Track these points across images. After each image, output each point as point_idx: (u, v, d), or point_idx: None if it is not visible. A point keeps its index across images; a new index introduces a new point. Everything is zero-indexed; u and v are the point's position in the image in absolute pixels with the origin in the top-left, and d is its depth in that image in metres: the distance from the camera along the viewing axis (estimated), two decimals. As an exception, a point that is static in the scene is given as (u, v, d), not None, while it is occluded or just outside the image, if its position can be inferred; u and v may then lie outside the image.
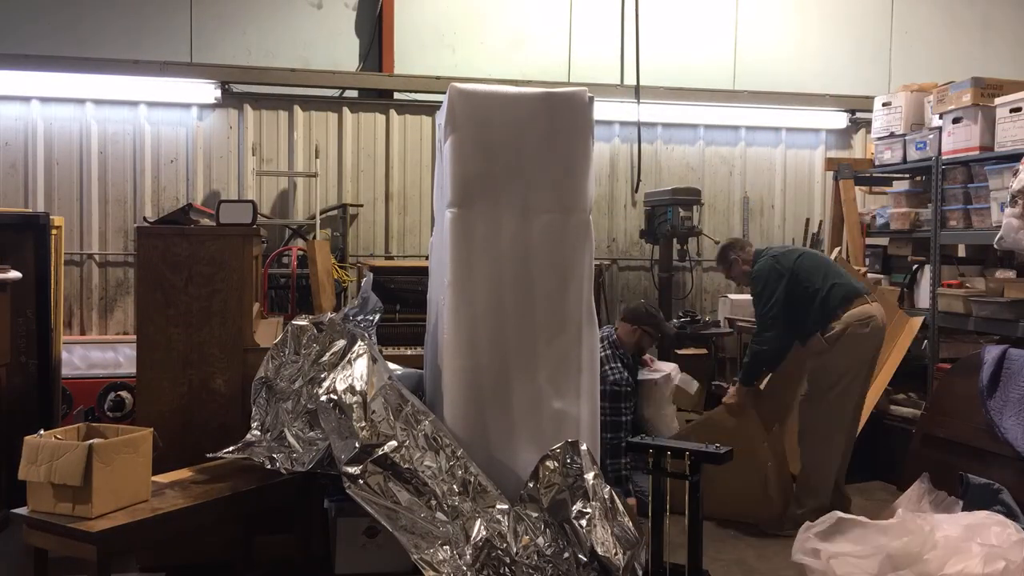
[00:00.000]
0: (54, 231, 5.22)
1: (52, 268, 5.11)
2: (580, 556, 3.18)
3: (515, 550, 3.17)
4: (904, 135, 6.14)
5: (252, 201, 4.60)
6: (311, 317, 3.85)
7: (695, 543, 3.48)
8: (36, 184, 6.27)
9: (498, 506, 3.29)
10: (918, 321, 5.87)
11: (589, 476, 3.30)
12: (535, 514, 3.28)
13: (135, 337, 4.18)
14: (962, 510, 4.68)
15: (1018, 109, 5.15)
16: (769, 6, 7.58)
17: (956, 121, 5.59)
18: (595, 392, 3.75)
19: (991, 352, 5.03)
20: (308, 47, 6.80)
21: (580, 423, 3.64)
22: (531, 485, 3.34)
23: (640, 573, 3.35)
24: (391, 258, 6.79)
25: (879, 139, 6.44)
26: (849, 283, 4.82)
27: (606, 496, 3.32)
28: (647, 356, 5.33)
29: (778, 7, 7.60)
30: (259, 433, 3.68)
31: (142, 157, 6.44)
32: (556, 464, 3.33)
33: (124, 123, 6.42)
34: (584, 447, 3.37)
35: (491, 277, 3.62)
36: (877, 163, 6.51)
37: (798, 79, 7.51)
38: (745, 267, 5.01)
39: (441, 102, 3.70)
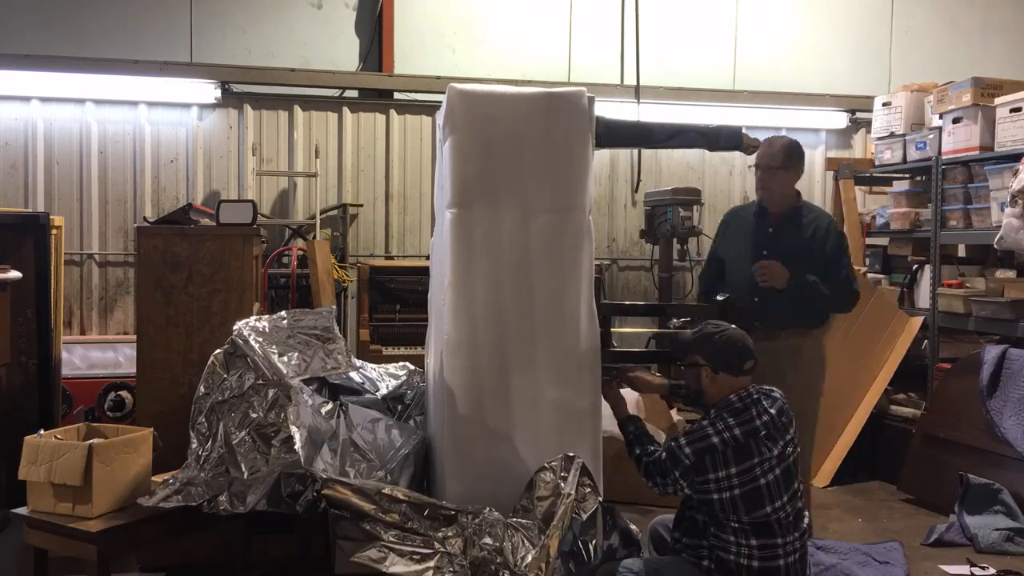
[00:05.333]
0: (54, 231, 5.21)
1: (52, 268, 5.11)
2: (571, 566, 3.16)
3: (512, 562, 3.15)
4: (904, 135, 6.14)
5: (252, 201, 4.60)
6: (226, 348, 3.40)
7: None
8: (36, 184, 6.27)
9: (491, 517, 3.26)
10: (918, 321, 5.88)
11: (586, 490, 3.27)
12: (529, 523, 3.26)
13: (135, 337, 4.18)
14: (962, 510, 4.70)
15: (1018, 109, 5.15)
16: (769, 6, 7.58)
17: (956, 121, 5.59)
18: (596, 392, 3.74)
19: (991, 352, 5.04)
20: (308, 47, 6.80)
21: (581, 423, 3.64)
22: (526, 496, 3.32)
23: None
24: (391, 258, 6.79)
25: (879, 139, 6.44)
26: None
27: (603, 507, 3.30)
28: None
29: (778, 7, 7.60)
30: (196, 467, 3.26)
31: (142, 157, 6.44)
32: (551, 476, 3.31)
33: (124, 123, 6.41)
34: (580, 461, 3.34)
35: (491, 277, 3.61)
36: (877, 163, 6.51)
37: (798, 79, 7.51)
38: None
39: (441, 102, 3.70)
